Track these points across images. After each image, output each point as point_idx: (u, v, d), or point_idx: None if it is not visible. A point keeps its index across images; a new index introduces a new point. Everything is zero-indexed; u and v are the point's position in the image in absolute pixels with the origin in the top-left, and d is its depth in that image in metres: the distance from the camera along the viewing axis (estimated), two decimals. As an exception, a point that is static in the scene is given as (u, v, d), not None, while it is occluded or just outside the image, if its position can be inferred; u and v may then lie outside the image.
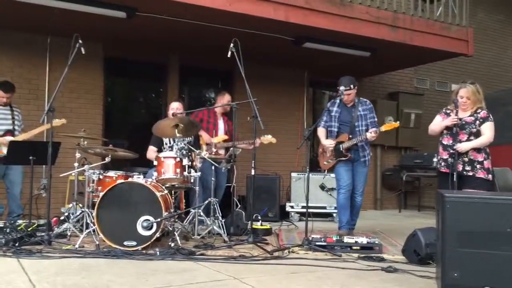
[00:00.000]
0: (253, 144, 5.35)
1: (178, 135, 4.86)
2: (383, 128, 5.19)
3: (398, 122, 5.38)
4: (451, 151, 4.57)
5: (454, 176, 4.43)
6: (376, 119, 5.53)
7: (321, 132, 5.61)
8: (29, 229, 4.66)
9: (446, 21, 7.71)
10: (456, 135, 4.54)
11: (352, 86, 5.37)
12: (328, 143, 5.48)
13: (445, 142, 4.70)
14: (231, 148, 5.60)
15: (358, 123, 5.43)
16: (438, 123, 4.76)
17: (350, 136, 5.38)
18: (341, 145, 5.40)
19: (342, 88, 5.28)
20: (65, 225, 4.93)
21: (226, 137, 6.24)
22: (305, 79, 8.97)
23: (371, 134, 5.20)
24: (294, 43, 7.16)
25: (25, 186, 5.71)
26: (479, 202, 3.00)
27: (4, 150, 5.36)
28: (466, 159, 4.55)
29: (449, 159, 4.57)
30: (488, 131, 4.55)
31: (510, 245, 2.87)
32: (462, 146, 4.50)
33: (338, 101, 5.56)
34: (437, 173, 4.86)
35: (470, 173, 4.54)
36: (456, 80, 10.70)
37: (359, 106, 5.49)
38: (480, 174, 4.53)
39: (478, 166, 4.54)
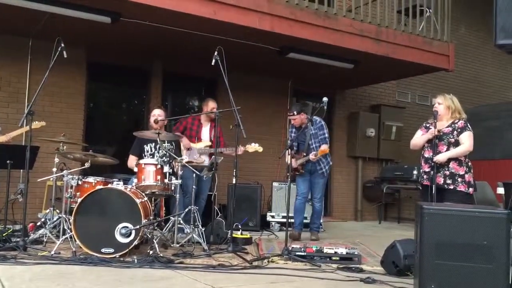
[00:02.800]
0: (233, 153, 5.64)
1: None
2: (319, 153, 5.94)
3: (327, 146, 6.10)
4: (432, 163, 4.61)
5: (433, 188, 4.47)
6: (326, 135, 6.21)
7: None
8: (4, 235, 4.57)
9: (428, 36, 7.83)
10: (436, 147, 4.58)
11: (295, 112, 6.15)
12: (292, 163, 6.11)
13: (426, 155, 4.74)
14: (213, 156, 5.58)
15: (311, 141, 6.14)
16: (419, 138, 4.82)
17: (304, 154, 6.08)
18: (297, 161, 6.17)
19: (325, 99, 5.38)
20: (42, 231, 4.84)
21: (209, 143, 6.25)
22: (289, 89, 8.99)
23: (312, 156, 5.93)
24: (278, 53, 7.19)
25: (1, 190, 5.61)
26: (457, 214, 3.03)
27: None
28: (447, 172, 4.59)
29: (431, 171, 4.61)
30: (466, 140, 4.59)
31: (486, 258, 2.90)
32: (439, 158, 4.55)
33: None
34: (421, 186, 4.90)
35: (451, 187, 4.58)
36: (436, 94, 10.84)
37: (311, 126, 6.10)
38: (461, 188, 4.57)
39: (459, 179, 4.58)
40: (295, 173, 6.21)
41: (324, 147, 6.01)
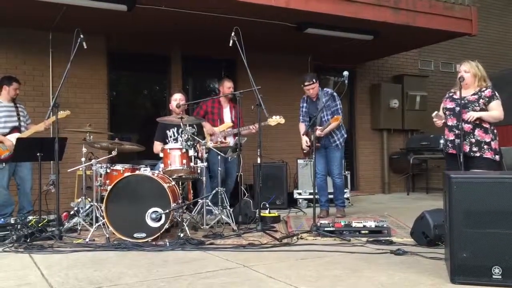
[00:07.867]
0: (253, 129, 5.88)
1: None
2: (332, 122, 5.75)
3: (339, 116, 5.82)
4: (457, 131, 4.53)
5: (461, 157, 4.40)
6: (339, 106, 5.98)
7: (300, 126, 6.22)
8: (39, 225, 4.70)
9: (449, 1, 7.62)
10: (459, 115, 4.49)
11: (314, 80, 5.92)
12: (303, 141, 6.10)
13: (449, 123, 4.65)
14: (236, 137, 5.61)
15: (323, 113, 5.95)
16: (439, 122, 4.75)
17: (317, 127, 5.81)
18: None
19: (345, 73, 5.24)
20: (75, 220, 4.99)
21: (231, 124, 6.27)
22: (309, 65, 8.91)
23: (318, 132, 5.73)
24: (296, 29, 7.12)
25: (34, 182, 5.77)
26: (485, 182, 2.98)
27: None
28: (473, 140, 4.50)
29: (456, 140, 4.53)
30: (498, 107, 4.47)
31: (518, 224, 2.86)
32: (473, 114, 4.41)
33: (305, 97, 6.15)
34: (445, 155, 4.82)
35: (478, 154, 4.50)
36: (461, 60, 10.57)
37: (322, 98, 5.95)
38: (488, 155, 4.49)
39: (485, 146, 4.49)
40: (310, 150, 6.03)
41: (335, 117, 5.79)
